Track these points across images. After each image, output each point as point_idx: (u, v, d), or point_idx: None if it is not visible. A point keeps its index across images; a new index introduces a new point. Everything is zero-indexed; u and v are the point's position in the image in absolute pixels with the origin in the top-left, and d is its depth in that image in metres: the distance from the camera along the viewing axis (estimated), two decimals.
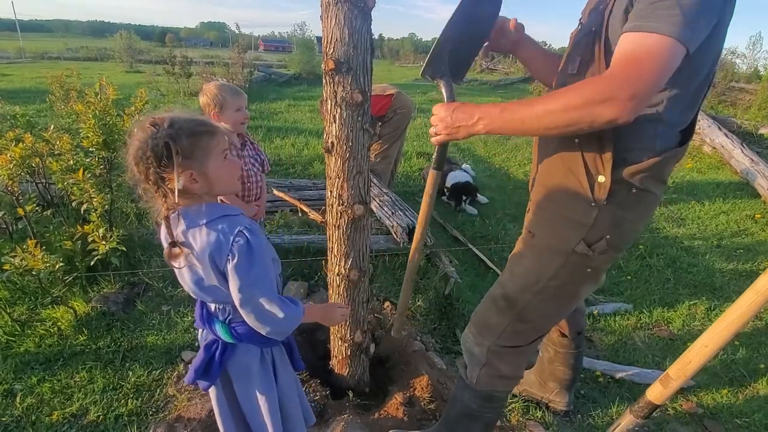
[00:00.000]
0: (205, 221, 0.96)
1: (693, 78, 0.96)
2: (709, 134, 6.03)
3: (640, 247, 3.26)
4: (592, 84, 0.90)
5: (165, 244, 0.99)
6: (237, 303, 0.98)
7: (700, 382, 2.05)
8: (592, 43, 1.02)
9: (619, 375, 2.04)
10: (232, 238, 0.94)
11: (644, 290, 2.81)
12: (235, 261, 0.94)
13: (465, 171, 4.39)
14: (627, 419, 1.30)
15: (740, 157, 5.22)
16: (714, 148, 5.88)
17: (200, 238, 0.96)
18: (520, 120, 1.00)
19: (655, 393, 1.20)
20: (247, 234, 0.95)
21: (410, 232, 2.77)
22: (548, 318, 1.29)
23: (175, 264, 0.99)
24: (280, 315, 0.99)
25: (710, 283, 2.91)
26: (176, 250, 0.96)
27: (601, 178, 1.04)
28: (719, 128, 6.02)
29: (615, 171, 1.02)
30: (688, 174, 5.27)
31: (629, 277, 2.93)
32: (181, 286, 1.06)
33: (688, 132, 1.04)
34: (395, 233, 2.82)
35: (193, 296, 1.08)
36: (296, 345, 1.27)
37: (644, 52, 0.85)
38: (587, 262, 1.13)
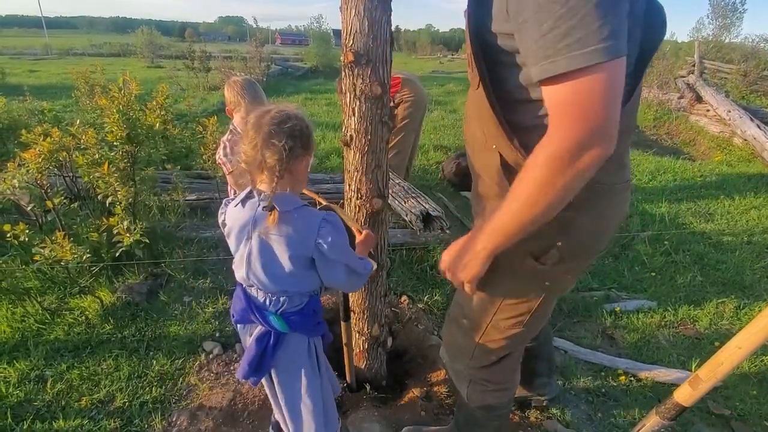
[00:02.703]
0: (293, 207, 1.06)
1: None
2: (739, 125, 5.78)
3: (666, 242, 3.16)
4: (545, 148, 0.74)
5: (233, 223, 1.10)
6: (340, 275, 1.09)
7: (728, 383, 1.98)
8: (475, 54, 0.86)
9: (642, 374, 1.99)
10: (318, 225, 1.06)
11: (669, 287, 2.73)
12: (330, 240, 1.05)
13: None
14: (652, 420, 1.26)
15: None
16: (745, 140, 5.64)
17: (288, 222, 1.05)
18: (511, 233, 0.84)
19: (684, 395, 1.16)
20: (329, 218, 1.08)
21: (425, 219, 2.72)
22: (517, 337, 1.16)
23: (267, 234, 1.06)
24: (369, 266, 1.19)
25: (740, 281, 2.80)
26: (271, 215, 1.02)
27: None
28: (751, 119, 5.76)
29: None
30: (717, 167, 5.06)
31: (653, 274, 2.84)
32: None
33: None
34: (409, 221, 2.77)
35: (254, 284, 1.12)
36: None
37: (575, 97, 0.69)
38: (542, 276, 1.00)
